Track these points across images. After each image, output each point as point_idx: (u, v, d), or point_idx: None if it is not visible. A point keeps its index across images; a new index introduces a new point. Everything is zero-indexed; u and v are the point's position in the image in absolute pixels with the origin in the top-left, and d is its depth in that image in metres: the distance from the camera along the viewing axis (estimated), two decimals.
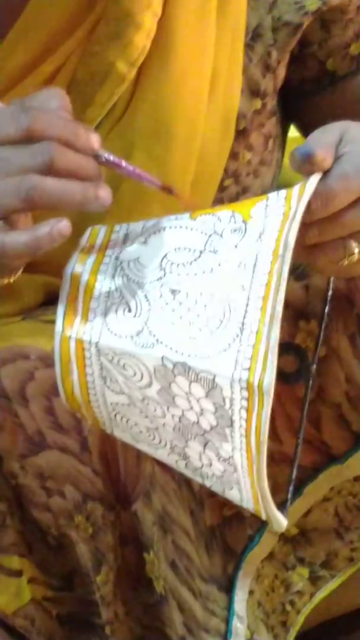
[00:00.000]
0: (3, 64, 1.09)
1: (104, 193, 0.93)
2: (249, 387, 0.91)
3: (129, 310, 0.95)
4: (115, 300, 0.95)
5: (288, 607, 1.13)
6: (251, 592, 1.11)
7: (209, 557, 1.10)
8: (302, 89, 1.20)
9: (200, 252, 0.95)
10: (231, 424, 0.93)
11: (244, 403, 0.91)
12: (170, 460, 0.99)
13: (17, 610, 1.07)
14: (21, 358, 1.06)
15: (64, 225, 0.91)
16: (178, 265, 0.95)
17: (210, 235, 0.96)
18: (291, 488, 1.05)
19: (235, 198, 1.16)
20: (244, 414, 0.92)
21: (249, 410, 0.91)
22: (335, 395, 1.09)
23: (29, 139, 0.92)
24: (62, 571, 1.08)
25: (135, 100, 1.11)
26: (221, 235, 0.95)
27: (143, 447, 1.00)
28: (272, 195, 0.96)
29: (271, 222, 0.94)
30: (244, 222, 0.96)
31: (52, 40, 1.10)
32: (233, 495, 0.97)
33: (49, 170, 0.91)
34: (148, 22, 1.10)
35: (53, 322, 1.08)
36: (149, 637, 1.10)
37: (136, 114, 1.11)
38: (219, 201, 1.15)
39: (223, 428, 0.93)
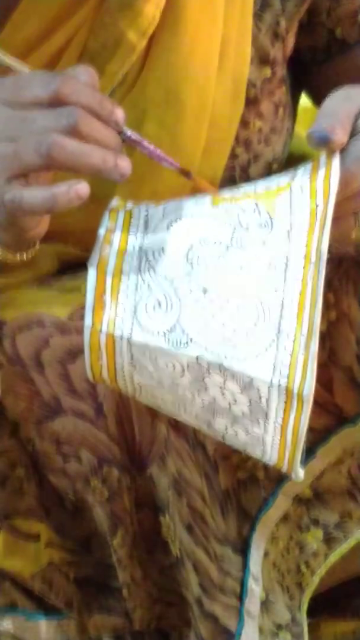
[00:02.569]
0: (15, 34, 1.09)
1: (124, 163, 0.94)
2: (288, 393, 0.93)
3: (159, 306, 0.95)
4: (144, 294, 0.95)
5: (303, 568, 1.13)
6: (266, 554, 1.11)
7: (224, 519, 1.10)
8: (312, 57, 1.20)
9: (227, 246, 0.95)
10: (266, 416, 0.95)
11: (282, 405, 0.94)
12: (192, 424, 1.00)
13: (35, 574, 1.08)
14: (36, 325, 1.06)
15: (82, 186, 0.92)
16: (205, 259, 0.95)
17: (235, 228, 0.96)
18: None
19: (246, 165, 1.16)
20: (280, 413, 0.95)
21: (286, 411, 0.94)
22: (347, 358, 1.09)
23: (56, 102, 0.94)
24: (79, 535, 1.09)
25: (146, 69, 1.11)
26: (247, 229, 0.96)
27: (165, 412, 1.01)
28: (295, 186, 0.96)
29: (298, 220, 0.95)
30: (270, 217, 0.96)
31: (63, 11, 1.09)
32: (256, 453, 0.98)
33: (72, 133, 0.93)
34: None
35: (67, 290, 1.08)
36: (165, 598, 1.11)
37: (147, 83, 1.11)
38: (230, 169, 1.15)
39: (257, 417, 0.95)
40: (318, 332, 0.92)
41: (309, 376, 0.93)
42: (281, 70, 1.18)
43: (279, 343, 0.93)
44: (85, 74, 0.96)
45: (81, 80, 0.95)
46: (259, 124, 1.16)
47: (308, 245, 0.94)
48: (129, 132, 0.96)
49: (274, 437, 0.95)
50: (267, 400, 0.94)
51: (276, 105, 1.18)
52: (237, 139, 1.15)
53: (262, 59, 1.15)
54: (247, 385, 0.93)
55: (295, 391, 0.93)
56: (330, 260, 0.96)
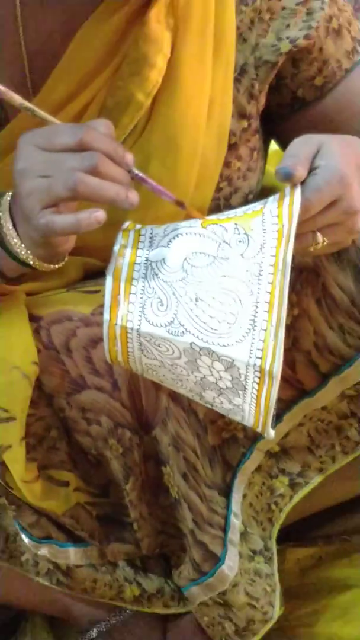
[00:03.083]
0: (49, 95, 1.08)
1: (133, 195, 0.94)
2: (261, 371, 0.93)
3: (161, 304, 0.95)
4: (150, 295, 0.95)
5: (273, 507, 1.12)
6: (244, 496, 1.11)
7: (212, 469, 1.09)
8: (279, 112, 1.17)
9: (214, 257, 0.95)
10: (244, 389, 0.94)
11: (257, 380, 0.94)
12: (188, 395, 0.99)
13: (66, 512, 1.08)
14: (66, 319, 1.06)
15: (100, 213, 0.93)
16: (197, 267, 0.95)
17: (220, 244, 0.95)
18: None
19: (228, 196, 1.14)
20: (255, 386, 0.94)
21: (260, 385, 0.94)
22: (306, 344, 1.08)
23: (80, 148, 0.93)
24: (99, 482, 1.09)
25: (151, 122, 1.10)
26: (229, 245, 0.95)
27: (166, 386, 1.01)
28: (267, 211, 0.96)
29: (269, 237, 0.94)
30: (247, 234, 0.95)
31: (87, 77, 1.08)
32: (236, 418, 0.98)
33: (93, 172, 0.93)
34: (160, 62, 1.08)
35: (90, 292, 1.08)
36: (166, 531, 1.10)
37: (152, 132, 1.10)
38: (215, 199, 1.13)
39: (237, 390, 0.95)
40: (284, 324, 0.92)
41: (277, 358, 0.92)
42: (255, 122, 1.16)
43: (254, 332, 0.92)
44: (103, 125, 0.95)
45: (100, 130, 0.94)
46: (238, 164, 1.15)
47: (276, 256, 0.93)
48: (137, 172, 0.96)
49: (251, 406, 0.95)
50: (245, 377, 0.93)
51: (251, 150, 1.16)
52: (221, 176, 1.13)
53: (240, 114, 1.13)
54: (230, 365, 0.93)
55: (267, 369, 0.92)
56: (293, 269, 0.96)
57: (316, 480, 1.12)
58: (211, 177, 1.12)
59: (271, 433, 0.97)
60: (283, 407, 1.09)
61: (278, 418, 1.09)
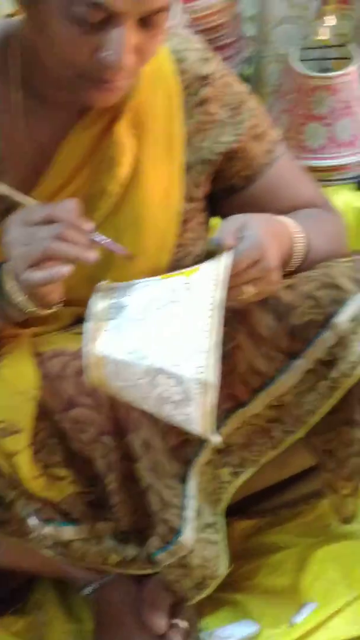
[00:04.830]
0: (46, 188, 1.09)
1: (91, 254, 0.96)
2: (202, 382, 0.92)
3: (127, 337, 0.94)
4: (120, 331, 0.95)
5: (220, 490, 1.10)
6: (198, 483, 1.09)
7: (173, 463, 1.08)
8: (219, 195, 1.16)
9: (167, 301, 0.95)
10: (191, 400, 0.94)
11: (200, 391, 0.93)
12: (151, 411, 0.99)
13: (63, 500, 1.06)
14: (61, 354, 1.06)
15: (65, 268, 0.95)
16: (155, 309, 0.95)
17: (172, 291, 0.97)
18: (217, 424, 1.04)
19: (182, 258, 1.13)
20: (198, 397, 0.93)
21: (202, 395, 0.93)
22: (241, 368, 1.06)
23: (50, 221, 0.94)
24: (89, 476, 1.07)
25: (121, 205, 1.10)
26: (179, 292, 0.97)
27: (134, 404, 0.99)
28: (207, 267, 0.98)
29: (208, 286, 0.96)
30: (192, 284, 0.97)
31: (72, 174, 1.09)
32: (189, 428, 0.98)
33: (59, 238, 0.94)
34: (126, 162, 1.08)
35: (79, 333, 1.07)
36: (139, 511, 1.09)
37: (122, 214, 1.09)
38: (172, 261, 1.12)
39: (186, 401, 0.94)
40: (220, 347, 0.93)
41: (214, 372, 0.93)
42: (201, 203, 1.15)
43: (197, 354, 0.93)
44: (68, 203, 0.97)
45: (66, 207, 0.96)
46: (189, 235, 1.13)
47: (213, 298, 0.95)
48: (95, 236, 0.97)
49: (197, 414, 0.94)
50: (192, 389, 0.93)
51: (199, 224, 1.15)
52: (176, 243, 1.12)
53: (189, 198, 1.12)
54: (180, 380, 0.93)
55: (207, 381, 0.92)
56: (229, 311, 0.97)
57: (252, 469, 1.10)
58: (169, 245, 1.11)
59: (215, 438, 0.97)
60: (225, 415, 1.08)
61: (222, 424, 1.07)
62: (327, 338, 1.04)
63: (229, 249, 0.97)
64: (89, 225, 0.96)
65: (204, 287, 0.96)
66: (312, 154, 1.57)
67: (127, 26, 0.94)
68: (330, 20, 1.44)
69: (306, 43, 1.56)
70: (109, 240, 0.99)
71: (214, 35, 1.62)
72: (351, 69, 1.54)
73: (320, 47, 1.57)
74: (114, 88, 0.99)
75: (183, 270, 1.00)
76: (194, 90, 1.10)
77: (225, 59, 1.65)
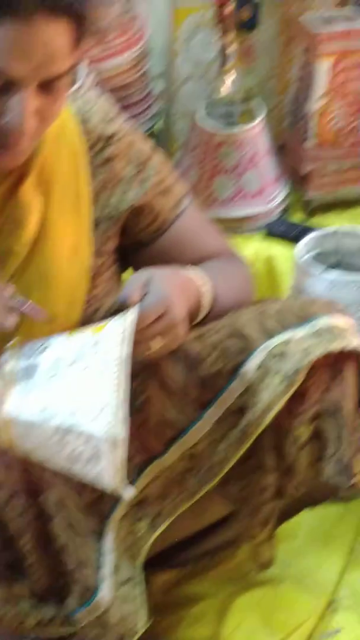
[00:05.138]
0: None
1: (10, 321, 0.95)
2: (110, 440, 0.92)
3: (36, 398, 0.94)
4: (29, 391, 0.94)
5: (137, 544, 1.10)
6: (114, 539, 1.10)
7: (88, 520, 1.08)
8: (128, 249, 1.16)
9: (75, 358, 0.96)
10: (101, 457, 0.94)
11: (109, 449, 0.93)
12: (63, 470, 0.98)
13: None
14: None
15: None
16: (63, 367, 0.95)
17: (80, 348, 0.97)
18: (132, 478, 1.04)
19: (93, 313, 1.12)
20: (107, 454, 0.93)
21: (111, 452, 0.93)
22: (153, 420, 1.07)
23: None
24: (3, 537, 1.06)
25: (29, 263, 1.09)
26: (86, 349, 0.97)
27: (46, 464, 0.99)
28: (114, 323, 0.98)
29: (115, 340, 0.96)
30: (98, 340, 0.97)
31: None
32: (100, 485, 0.97)
33: None
34: (32, 221, 1.08)
35: None
36: (55, 571, 1.07)
37: (29, 271, 1.09)
38: (83, 317, 1.11)
39: (96, 459, 0.94)
40: (128, 401, 0.93)
41: (123, 428, 0.92)
42: (111, 258, 1.15)
43: (104, 411, 0.93)
44: None
45: None
46: (100, 289, 1.13)
47: (119, 354, 0.95)
48: (15, 299, 0.96)
49: (108, 471, 0.94)
50: (100, 447, 0.93)
51: (109, 278, 1.15)
52: (87, 298, 1.13)
53: (98, 253, 1.12)
54: (89, 438, 0.93)
55: (115, 438, 0.92)
56: (139, 363, 0.97)
57: (168, 521, 1.11)
58: (79, 300, 1.11)
59: (127, 493, 0.97)
60: (140, 469, 1.09)
61: (136, 477, 1.09)
62: (235, 387, 1.05)
63: (134, 304, 0.99)
64: (9, 289, 0.96)
65: (110, 343, 0.96)
66: (221, 206, 1.60)
67: (27, 92, 0.94)
68: (231, 77, 1.50)
69: (212, 99, 1.62)
70: (29, 303, 0.98)
71: (123, 94, 1.66)
72: (256, 123, 1.60)
73: (226, 103, 1.63)
74: (17, 152, 0.99)
75: (91, 327, 1.01)
76: (99, 149, 1.11)
77: (134, 116, 1.69)
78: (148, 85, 1.72)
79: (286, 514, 1.21)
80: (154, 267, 1.05)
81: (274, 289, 1.56)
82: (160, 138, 1.78)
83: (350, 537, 1.31)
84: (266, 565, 1.15)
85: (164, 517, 1.10)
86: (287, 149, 1.70)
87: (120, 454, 0.93)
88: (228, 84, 1.51)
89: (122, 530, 1.10)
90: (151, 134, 1.74)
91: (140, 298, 0.99)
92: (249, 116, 1.65)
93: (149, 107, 1.72)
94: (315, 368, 1.05)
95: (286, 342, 1.05)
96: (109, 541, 1.08)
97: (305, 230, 1.52)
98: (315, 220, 1.62)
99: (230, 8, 1.48)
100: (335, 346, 1.06)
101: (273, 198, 1.62)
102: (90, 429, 0.92)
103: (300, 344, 1.05)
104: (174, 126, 1.73)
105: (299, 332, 1.06)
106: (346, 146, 1.62)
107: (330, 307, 1.11)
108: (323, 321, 1.07)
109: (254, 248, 1.58)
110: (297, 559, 1.28)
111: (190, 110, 1.67)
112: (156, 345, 1.00)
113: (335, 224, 1.54)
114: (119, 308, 1.02)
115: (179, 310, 1.01)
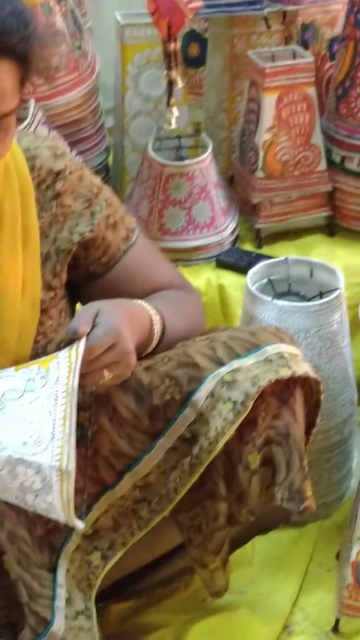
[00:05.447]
0: None
1: None
2: (60, 470, 0.93)
3: None
4: None
5: (90, 576, 1.12)
6: (68, 570, 1.10)
7: (40, 553, 1.08)
8: (79, 282, 1.17)
9: (23, 391, 0.97)
10: (51, 487, 0.94)
11: (57, 479, 0.93)
12: (14, 501, 0.98)
13: None
14: None
15: None
16: (11, 400, 0.96)
17: (28, 380, 0.97)
18: (84, 509, 1.04)
19: (44, 346, 1.11)
20: (57, 484, 0.93)
21: (61, 482, 0.93)
22: (105, 451, 1.08)
23: None
24: None
25: None
26: (34, 381, 0.97)
27: None
28: (62, 354, 0.99)
29: (62, 372, 0.97)
30: (47, 371, 0.97)
31: None
32: (54, 517, 0.97)
33: None
34: None
35: None
36: (9, 604, 1.07)
37: None
38: (34, 349, 1.11)
39: (47, 489, 0.94)
40: (75, 432, 0.94)
41: (71, 458, 0.93)
42: (61, 291, 1.15)
43: (53, 442, 0.94)
44: None
45: None
46: (50, 322, 1.13)
47: (67, 384, 0.96)
48: None
49: (58, 502, 0.94)
50: (50, 477, 0.93)
51: (60, 311, 1.15)
52: (37, 331, 1.11)
53: (47, 287, 1.12)
54: (39, 469, 0.93)
55: (64, 468, 0.92)
56: (91, 394, 0.98)
57: (121, 551, 1.11)
58: (29, 334, 1.11)
59: (78, 525, 0.97)
60: (92, 500, 1.09)
61: (89, 509, 1.09)
62: (186, 416, 1.06)
63: (83, 336, 0.99)
64: None
65: (59, 374, 0.96)
66: (173, 237, 1.61)
67: None
68: (177, 112, 1.53)
69: (161, 133, 1.64)
70: None
71: (75, 129, 1.68)
72: (205, 156, 1.63)
73: (176, 137, 1.66)
74: None
75: (40, 360, 1.01)
76: (49, 184, 1.12)
77: (86, 150, 1.71)
78: (99, 120, 1.74)
79: (239, 541, 1.23)
80: (104, 300, 1.06)
81: (227, 317, 1.58)
82: (113, 171, 1.80)
83: (304, 561, 1.32)
84: (220, 592, 1.15)
85: (117, 548, 1.10)
86: (237, 180, 1.73)
87: (70, 482, 0.93)
88: (174, 118, 1.54)
89: (75, 562, 1.10)
90: (103, 168, 1.76)
91: (89, 330, 1.00)
92: (198, 149, 1.68)
93: (100, 141, 1.74)
94: (264, 395, 1.07)
95: (236, 370, 1.07)
96: (62, 574, 1.08)
97: (256, 259, 1.55)
98: (266, 249, 1.65)
99: (176, 45, 1.51)
100: (284, 373, 1.07)
101: (224, 228, 1.64)
102: (40, 459, 0.93)
103: (250, 372, 1.07)
104: (126, 160, 1.74)
105: (248, 360, 1.08)
106: (293, 177, 1.64)
107: (279, 334, 1.13)
108: (272, 348, 1.09)
109: (206, 277, 1.59)
110: (252, 585, 1.29)
111: (141, 144, 1.70)
112: (107, 375, 1.01)
113: (286, 252, 1.54)
114: (69, 341, 1.02)
115: (129, 341, 1.02)
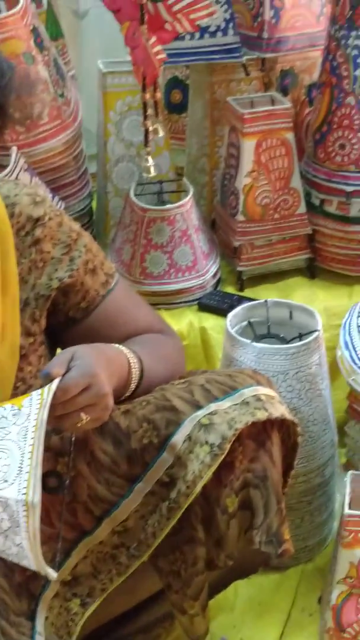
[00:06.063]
0: None
1: None
2: (26, 504, 0.93)
3: None
4: None
5: (70, 623, 1.11)
6: (47, 618, 1.10)
7: (19, 600, 1.08)
8: (57, 327, 1.17)
9: None
10: (19, 525, 0.93)
11: (24, 513, 0.93)
12: None
13: None
14: None
15: None
16: None
17: (1, 418, 0.98)
18: (58, 555, 1.04)
19: (24, 392, 1.11)
20: (24, 519, 0.93)
21: (28, 517, 0.93)
22: (83, 496, 1.08)
23: None
24: None
25: None
26: (7, 418, 0.98)
27: None
28: (34, 394, 1.00)
29: (33, 409, 0.98)
30: (19, 409, 0.98)
31: None
32: (26, 563, 0.97)
33: None
34: None
35: None
36: None
37: None
38: (14, 395, 1.11)
39: (15, 528, 0.94)
40: (41, 466, 0.94)
41: (37, 491, 0.93)
42: (40, 337, 1.15)
43: (21, 476, 0.94)
44: None
45: None
46: (29, 368, 1.14)
47: (37, 420, 0.97)
48: None
49: (26, 542, 0.94)
50: (17, 512, 0.93)
51: (39, 356, 1.16)
52: (17, 377, 1.12)
53: (27, 333, 1.13)
54: (5, 504, 0.93)
55: (30, 501, 0.93)
56: (68, 439, 0.98)
57: (101, 598, 1.10)
58: (8, 380, 1.12)
59: (51, 574, 0.97)
60: (70, 546, 1.09)
61: (67, 555, 1.09)
62: (164, 459, 1.06)
63: (56, 377, 0.99)
64: None
65: (30, 412, 0.97)
66: (155, 280, 1.64)
67: None
68: (151, 161, 1.56)
69: (143, 178, 1.67)
70: None
71: (58, 175, 1.71)
72: (186, 200, 1.66)
73: (158, 182, 1.69)
74: None
75: (14, 399, 1.02)
76: (27, 231, 1.13)
77: (70, 195, 1.74)
78: (83, 166, 1.77)
79: (219, 586, 1.22)
80: (82, 344, 1.07)
81: (208, 360, 1.59)
82: (96, 216, 1.83)
83: (286, 606, 1.31)
84: (201, 638, 1.14)
85: (96, 595, 1.10)
86: (218, 223, 1.76)
87: (35, 516, 0.93)
88: (152, 167, 1.57)
89: (54, 609, 1.09)
90: (87, 213, 1.79)
91: (63, 372, 1.00)
92: (180, 194, 1.71)
93: (84, 186, 1.77)
94: (241, 438, 1.08)
95: (213, 413, 1.07)
96: (41, 621, 1.07)
97: (238, 302, 1.57)
98: (248, 291, 1.67)
99: (157, 94, 1.54)
100: (261, 415, 1.08)
101: (206, 271, 1.67)
102: (7, 494, 0.93)
103: (227, 414, 1.07)
104: (109, 204, 1.78)
105: (225, 403, 1.08)
106: (273, 220, 1.67)
107: (256, 376, 1.14)
108: (248, 391, 1.10)
109: (188, 320, 1.61)
110: (234, 631, 1.28)
111: (123, 189, 1.73)
112: (84, 418, 1.01)
113: (267, 294, 1.59)
114: (43, 384, 1.03)
115: (105, 383, 1.02)
